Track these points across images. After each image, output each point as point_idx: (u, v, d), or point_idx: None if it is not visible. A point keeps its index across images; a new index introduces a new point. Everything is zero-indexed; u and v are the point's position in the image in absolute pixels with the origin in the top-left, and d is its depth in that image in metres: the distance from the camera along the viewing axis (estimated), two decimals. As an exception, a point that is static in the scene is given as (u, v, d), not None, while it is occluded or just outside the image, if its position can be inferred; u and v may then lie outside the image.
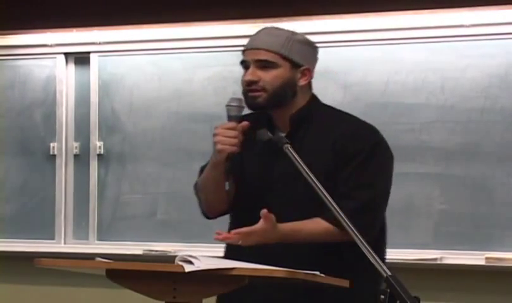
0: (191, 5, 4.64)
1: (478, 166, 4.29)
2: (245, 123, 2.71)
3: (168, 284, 2.34)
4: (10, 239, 5.05)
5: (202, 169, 2.92)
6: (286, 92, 2.79)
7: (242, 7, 4.51)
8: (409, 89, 4.41)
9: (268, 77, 2.75)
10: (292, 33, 2.82)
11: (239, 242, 2.56)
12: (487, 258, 4.23)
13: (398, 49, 4.44)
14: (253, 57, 2.77)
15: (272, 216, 2.56)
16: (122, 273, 2.39)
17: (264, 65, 2.76)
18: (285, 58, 2.77)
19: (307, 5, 4.47)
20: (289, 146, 2.54)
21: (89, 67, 4.97)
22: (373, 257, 2.22)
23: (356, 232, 2.31)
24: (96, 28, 4.87)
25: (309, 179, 2.45)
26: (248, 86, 2.76)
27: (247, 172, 2.81)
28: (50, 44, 5.00)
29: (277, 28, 2.85)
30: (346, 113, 2.91)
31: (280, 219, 2.65)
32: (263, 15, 4.48)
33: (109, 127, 4.95)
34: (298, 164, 2.49)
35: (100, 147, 4.95)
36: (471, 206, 4.29)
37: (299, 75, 2.81)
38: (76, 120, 5.02)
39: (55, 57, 5.03)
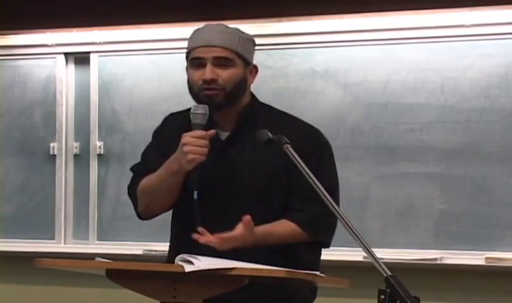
0: (191, 6, 4.64)
1: (478, 166, 4.29)
2: (213, 131, 2.66)
3: (168, 284, 2.34)
4: (10, 239, 5.05)
5: (136, 171, 2.89)
6: (240, 91, 2.76)
7: (242, 7, 4.51)
8: (409, 89, 4.42)
9: (226, 76, 2.71)
10: (240, 30, 2.79)
11: (216, 246, 2.52)
12: (487, 258, 4.23)
13: (398, 49, 4.44)
14: (211, 55, 2.71)
15: (251, 222, 2.55)
16: (122, 272, 2.39)
17: (222, 63, 2.72)
18: (240, 56, 2.75)
19: (307, 5, 4.47)
20: (289, 146, 2.52)
21: (89, 67, 4.97)
22: (372, 256, 2.22)
23: (357, 232, 2.30)
24: (96, 28, 4.87)
25: (308, 179, 2.44)
26: (207, 85, 2.71)
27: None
28: (50, 44, 5.00)
29: (224, 25, 2.80)
30: (287, 113, 2.88)
31: (226, 217, 2.65)
32: (263, 15, 4.48)
33: (109, 127, 4.95)
34: (298, 164, 2.48)
35: (100, 147, 4.95)
36: (471, 206, 4.29)
37: (248, 73, 2.80)
38: (76, 120, 5.02)
39: (55, 57, 5.03)
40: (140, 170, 2.89)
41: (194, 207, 2.66)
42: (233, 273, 2.27)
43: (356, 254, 4.14)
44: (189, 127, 2.70)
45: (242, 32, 2.79)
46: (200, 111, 2.69)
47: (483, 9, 4.24)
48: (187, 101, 4.76)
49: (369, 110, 4.46)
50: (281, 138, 2.55)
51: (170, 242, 2.94)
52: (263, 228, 2.65)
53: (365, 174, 4.42)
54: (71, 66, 5.04)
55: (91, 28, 4.88)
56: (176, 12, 4.67)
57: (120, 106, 4.93)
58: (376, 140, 4.44)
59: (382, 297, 2.10)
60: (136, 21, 4.78)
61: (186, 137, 2.65)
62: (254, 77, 2.83)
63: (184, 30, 4.74)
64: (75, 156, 5.02)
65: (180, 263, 2.32)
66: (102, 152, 4.95)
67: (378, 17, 4.42)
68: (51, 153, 5.03)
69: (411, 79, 4.42)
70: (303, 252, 2.76)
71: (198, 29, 2.81)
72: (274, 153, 2.64)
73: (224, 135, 2.78)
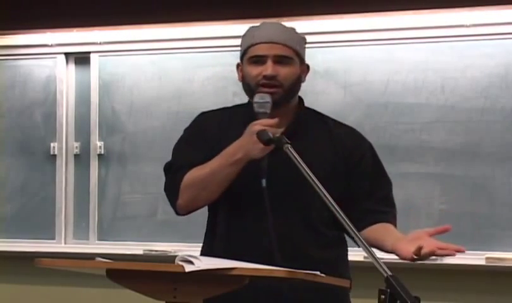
0: (191, 5, 4.64)
1: (479, 166, 4.29)
2: (277, 119, 2.66)
3: (168, 284, 2.34)
4: (10, 239, 5.05)
5: (174, 165, 2.85)
6: (296, 88, 2.79)
7: (242, 7, 4.51)
8: (410, 89, 4.42)
9: (285, 73, 2.73)
10: (295, 29, 2.82)
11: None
12: (487, 258, 4.23)
13: (398, 49, 4.44)
14: (272, 52, 2.72)
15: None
16: (122, 272, 2.39)
17: (282, 60, 2.73)
18: (297, 54, 2.77)
19: (307, 5, 4.47)
20: (289, 146, 2.52)
21: (89, 67, 4.97)
22: (373, 256, 2.22)
23: (356, 232, 2.30)
24: (96, 28, 4.88)
25: (310, 180, 2.44)
26: (266, 81, 2.71)
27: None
28: (50, 44, 5.00)
29: (281, 24, 2.83)
30: (328, 116, 2.93)
31: (280, 213, 2.66)
32: (263, 15, 4.47)
33: (109, 127, 4.95)
34: (299, 165, 2.48)
35: (100, 147, 4.95)
36: (471, 206, 4.29)
37: (302, 72, 2.82)
38: (77, 120, 5.03)
39: (55, 57, 5.03)
40: (183, 163, 2.82)
41: (263, 195, 2.64)
42: (233, 272, 2.26)
43: (356, 254, 4.13)
44: (231, 123, 2.74)
45: (296, 31, 2.82)
46: (265, 100, 2.70)
47: (484, 9, 4.25)
48: (187, 102, 4.79)
49: (369, 110, 4.47)
50: (281, 138, 2.55)
51: (208, 241, 2.86)
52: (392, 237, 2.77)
53: (365, 174, 4.41)
54: (72, 66, 5.04)
55: (92, 28, 4.89)
56: (176, 12, 4.68)
57: (120, 106, 4.93)
58: (376, 140, 4.42)
59: (383, 297, 2.10)
60: (137, 21, 4.78)
61: (257, 126, 2.63)
62: (305, 76, 2.85)
63: (185, 30, 4.77)
64: (75, 156, 5.02)
65: (180, 263, 2.32)
66: (102, 152, 4.95)
67: (379, 18, 4.42)
68: (51, 153, 5.03)
69: (411, 79, 4.42)
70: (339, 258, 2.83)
71: (255, 27, 2.81)
72: (330, 150, 2.69)
73: (278, 132, 2.77)
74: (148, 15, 4.74)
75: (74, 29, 4.93)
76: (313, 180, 2.43)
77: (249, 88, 2.76)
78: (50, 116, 5.04)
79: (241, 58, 2.83)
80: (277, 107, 2.72)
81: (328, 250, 2.77)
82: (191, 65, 4.78)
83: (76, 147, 5.02)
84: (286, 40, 2.74)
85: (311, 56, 4.52)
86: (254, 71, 2.74)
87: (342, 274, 2.65)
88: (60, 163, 5.01)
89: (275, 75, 2.71)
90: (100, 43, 4.92)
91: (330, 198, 2.38)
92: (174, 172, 2.84)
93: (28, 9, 4.91)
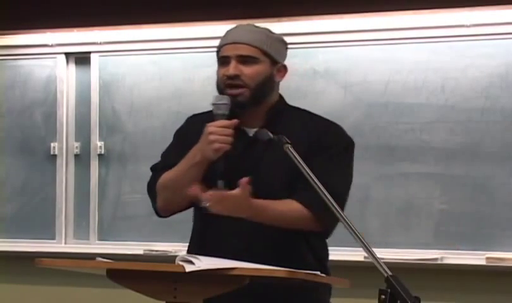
0: (191, 5, 4.64)
1: (479, 166, 4.29)
2: (236, 121, 2.68)
3: (169, 284, 2.34)
4: (11, 239, 5.05)
5: (157, 168, 2.89)
6: (265, 88, 2.77)
7: (242, 7, 4.51)
8: (410, 89, 4.42)
9: (249, 72, 2.73)
10: (269, 30, 2.82)
11: (207, 205, 2.51)
12: (487, 258, 4.23)
13: (399, 49, 4.44)
14: (235, 52, 2.74)
15: (248, 185, 2.53)
16: (122, 272, 2.39)
17: (246, 60, 2.74)
18: (265, 54, 2.76)
19: (307, 6, 4.47)
20: (289, 146, 2.53)
21: (90, 67, 4.97)
22: (373, 256, 2.22)
23: (357, 232, 2.30)
24: (96, 28, 4.88)
25: (310, 180, 2.44)
26: (230, 80, 2.72)
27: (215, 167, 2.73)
28: (50, 44, 5.00)
29: (254, 25, 2.83)
30: (313, 113, 2.90)
31: None
32: (263, 15, 4.48)
33: (109, 127, 4.95)
34: (299, 164, 2.48)
35: (100, 147, 4.95)
36: (471, 206, 4.29)
37: (275, 71, 2.81)
38: (77, 120, 5.03)
39: (55, 57, 5.03)
40: (159, 166, 2.89)
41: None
42: (234, 272, 2.27)
43: (356, 254, 4.15)
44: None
45: (271, 32, 2.82)
46: (223, 101, 2.71)
47: (484, 9, 4.25)
48: (187, 102, 4.79)
49: (369, 110, 4.46)
50: (282, 138, 2.56)
51: (191, 241, 2.90)
52: (263, 201, 2.63)
53: (366, 174, 4.42)
54: (72, 66, 5.04)
55: (92, 28, 4.89)
56: (176, 12, 4.68)
57: (121, 106, 4.93)
58: (376, 140, 4.44)
59: (383, 297, 2.11)
60: (137, 21, 4.78)
61: (211, 127, 2.67)
62: (282, 76, 2.84)
63: (185, 30, 4.77)
64: (76, 156, 5.02)
65: (180, 263, 2.32)
66: (102, 152, 4.95)
67: (379, 17, 4.42)
68: (52, 153, 5.03)
69: (411, 79, 4.42)
70: (307, 254, 2.76)
71: (229, 29, 2.85)
72: (305, 150, 2.65)
73: (252, 132, 2.78)
74: (148, 15, 4.74)
75: (75, 29, 4.93)
76: (313, 179, 2.43)
77: (219, 89, 2.78)
78: (51, 116, 5.04)
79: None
80: (245, 108, 2.74)
81: (294, 247, 2.75)
82: (192, 65, 4.78)
83: (77, 147, 5.02)
84: (251, 40, 2.75)
85: (312, 56, 4.58)
86: (220, 71, 2.78)
87: (312, 269, 2.59)
88: (61, 163, 5.01)
89: (238, 74, 2.73)
90: (100, 43, 4.92)
91: (330, 198, 2.38)
92: (152, 174, 2.90)
93: (29, 9, 4.91)
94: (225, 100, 2.71)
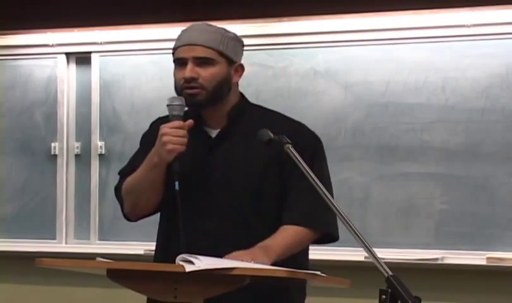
0: (191, 6, 4.64)
1: (479, 166, 4.29)
2: (190, 121, 2.68)
3: (169, 284, 2.34)
4: (11, 239, 5.05)
5: (123, 172, 2.90)
6: (223, 89, 2.75)
7: (242, 7, 4.51)
8: (410, 89, 4.42)
9: (206, 75, 2.72)
10: (225, 29, 2.79)
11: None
12: (488, 258, 4.23)
13: (399, 49, 4.44)
14: (191, 54, 2.72)
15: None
16: (123, 272, 2.39)
17: (203, 62, 2.72)
18: (222, 54, 2.74)
19: (307, 5, 4.47)
20: (290, 146, 2.52)
21: (90, 67, 4.97)
22: (374, 256, 2.22)
23: (358, 232, 2.30)
24: (97, 28, 4.88)
25: (310, 179, 2.44)
26: (187, 83, 2.71)
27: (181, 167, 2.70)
28: (51, 44, 5.00)
29: (208, 24, 2.80)
30: (277, 112, 2.88)
31: (217, 214, 2.67)
32: (263, 15, 4.48)
33: (110, 127, 4.95)
34: (300, 164, 2.48)
35: (101, 147, 4.95)
36: (472, 206, 4.29)
37: (233, 72, 2.79)
38: (77, 120, 5.03)
39: (56, 57, 5.03)
40: (124, 171, 2.90)
41: (175, 198, 2.65)
42: (234, 272, 2.27)
43: (357, 254, 4.15)
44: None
45: (226, 31, 2.79)
46: (177, 102, 2.71)
47: (484, 9, 4.24)
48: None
49: (370, 110, 4.46)
50: (282, 138, 2.55)
51: (157, 243, 2.89)
52: (265, 244, 2.60)
53: (366, 174, 4.42)
54: (72, 66, 5.04)
55: (93, 28, 4.89)
56: (177, 12, 4.68)
57: (121, 107, 4.93)
58: (377, 140, 4.44)
59: (383, 297, 2.10)
60: (138, 21, 4.78)
61: (164, 128, 2.67)
62: (240, 76, 2.82)
63: (185, 30, 4.76)
64: (76, 156, 5.02)
65: (181, 263, 2.32)
66: (103, 152, 4.95)
67: (379, 18, 4.42)
68: (52, 153, 5.03)
69: (412, 79, 4.42)
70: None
71: (184, 29, 2.82)
72: (264, 149, 2.63)
73: (214, 133, 2.79)
74: (149, 15, 4.74)
75: (75, 29, 4.93)
76: (313, 179, 2.42)
77: (176, 91, 2.78)
78: (51, 116, 5.04)
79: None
80: (202, 107, 2.74)
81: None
82: (192, 65, 4.78)
83: (77, 147, 5.02)
84: (206, 41, 2.73)
85: (312, 56, 4.58)
86: (178, 74, 2.77)
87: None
88: (61, 163, 5.01)
89: (195, 77, 2.71)
90: (101, 43, 4.92)
91: (331, 198, 2.38)
92: (120, 179, 2.92)
93: (29, 9, 4.91)
94: (179, 100, 2.71)
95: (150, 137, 2.85)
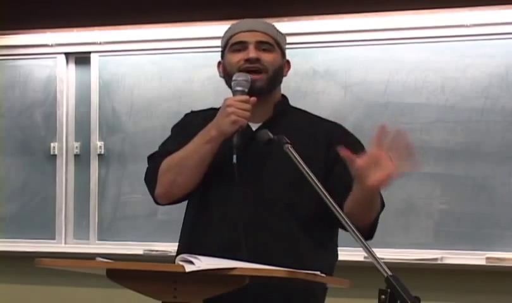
0: (191, 5, 4.64)
1: (479, 166, 4.29)
2: (254, 98, 2.66)
3: (168, 284, 2.34)
4: (10, 239, 5.05)
5: (156, 155, 2.84)
6: (279, 77, 2.79)
7: (242, 7, 4.51)
8: (410, 89, 4.42)
9: (269, 58, 2.74)
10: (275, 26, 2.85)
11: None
12: (487, 258, 4.23)
13: (399, 49, 4.44)
14: (254, 38, 2.75)
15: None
16: (122, 272, 2.39)
17: (264, 47, 2.75)
18: (278, 44, 2.79)
19: (307, 5, 4.47)
20: (289, 146, 2.52)
21: (90, 67, 4.97)
22: (373, 256, 2.22)
23: (356, 232, 2.30)
24: (96, 28, 4.88)
25: (310, 179, 2.43)
26: (248, 64, 2.72)
27: (218, 157, 2.70)
28: (50, 44, 5.00)
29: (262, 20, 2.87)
30: (315, 114, 2.91)
31: (251, 205, 2.64)
32: (263, 15, 4.45)
33: (109, 127, 4.95)
34: (299, 164, 2.48)
35: (100, 147, 4.95)
36: (471, 206, 4.29)
37: (284, 64, 2.84)
38: (77, 120, 5.03)
39: (55, 57, 5.03)
40: (162, 153, 2.82)
41: (233, 171, 2.60)
42: (234, 272, 2.26)
43: (356, 254, 4.13)
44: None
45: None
46: (243, 77, 2.70)
47: (484, 9, 4.25)
48: (187, 102, 4.79)
49: (369, 110, 4.46)
50: (282, 138, 2.55)
51: (181, 240, 2.85)
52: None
53: (366, 174, 4.41)
54: (72, 66, 5.04)
55: (92, 28, 4.89)
56: (176, 12, 4.68)
57: (120, 106, 4.93)
58: (376, 140, 4.44)
59: (383, 297, 2.10)
60: (137, 21, 4.78)
61: (230, 100, 2.65)
62: (287, 72, 2.86)
63: (185, 30, 4.77)
64: (76, 156, 5.02)
65: (180, 263, 2.32)
66: (102, 152, 4.95)
67: (379, 17, 4.42)
68: (51, 153, 5.03)
69: (411, 79, 4.42)
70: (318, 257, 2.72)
71: (236, 22, 2.84)
72: (306, 144, 2.64)
73: (256, 126, 2.76)
74: (148, 15, 4.74)
75: (75, 29, 4.93)
76: (312, 179, 2.42)
77: (230, 77, 2.75)
78: (51, 116, 5.04)
79: (222, 54, 2.85)
80: (262, 93, 2.72)
81: (295, 248, 2.70)
82: (192, 65, 4.78)
83: (76, 147, 5.02)
84: (267, 29, 2.78)
85: (312, 56, 4.58)
86: (235, 57, 2.76)
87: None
88: (61, 163, 5.01)
89: (258, 58, 2.72)
90: (100, 43, 4.92)
91: (329, 197, 2.38)
92: (153, 161, 2.85)
93: (29, 8, 4.91)
94: (245, 76, 2.70)
95: (186, 126, 2.83)
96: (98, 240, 4.94)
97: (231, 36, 2.80)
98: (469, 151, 4.31)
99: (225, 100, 2.67)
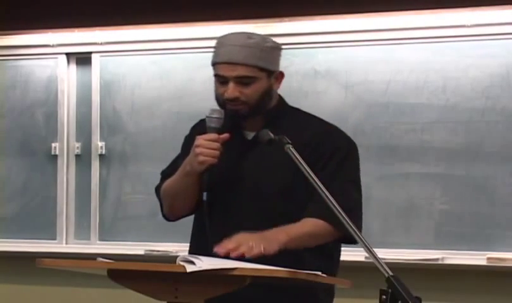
0: (192, 6, 4.64)
1: (480, 166, 4.29)
2: (226, 135, 2.69)
3: (170, 284, 2.34)
4: (12, 239, 5.05)
5: (164, 173, 2.94)
6: (265, 101, 2.77)
7: (243, 7, 4.51)
8: (411, 89, 4.42)
9: (249, 92, 2.72)
10: (262, 39, 2.77)
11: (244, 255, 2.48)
12: (488, 258, 4.23)
13: (400, 49, 4.44)
14: (232, 74, 2.71)
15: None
16: (123, 273, 2.39)
17: (244, 81, 2.72)
18: (262, 69, 2.74)
19: (307, 5, 4.47)
20: (290, 146, 2.53)
21: (91, 67, 4.97)
22: (374, 257, 2.22)
23: (355, 229, 2.30)
24: (98, 28, 4.88)
25: (310, 179, 2.44)
26: (231, 102, 2.72)
27: (215, 172, 2.73)
28: (52, 44, 5.00)
29: (248, 36, 2.76)
30: (313, 115, 2.90)
31: (247, 215, 2.69)
32: (263, 15, 4.48)
33: (110, 127, 4.95)
34: (300, 164, 2.48)
35: (101, 147, 4.95)
36: (472, 206, 4.29)
37: (273, 80, 2.80)
38: (78, 120, 5.03)
39: (56, 57, 5.03)
40: (165, 173, 2.94)
41: (203, 209, 2.70)
42: (235, 273, 2.27)
43: (357, 254, 4.14)
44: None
45: (265, 40, 2.77)
46: (215, 115, 2.73)
47: (485, 9, 4.25)
48: (188, 102, 4.80)
49: (370, 110, 4.46)
50: (282, 138, 2.55)
51: (190, 244, 2.94)
52: (281, 230, 2.61)
53: (367, 174, 4.36)
54: (73, 66, 5.04)
55: (93, 28, 4.89)
56: (177, 12, 4.68)
57: (121, 107, 4.93)
58: (377, 140, 4.44)
59: (384, 297, 2.11)
60: (138, 21, 4.78)
61: (199, 140, 2.69)
62: (280, 83, 2.84)
63: (185, 30, 4.77)
64: (77, 156, 5.02)
65: (182, 263, 2.32)
66: (103, 152, 4.95)
67: (380, 18, 4.42)
68: (53, 153, 5.03)
69: (412, 79, 4.42)
70: (314, 259, 2.73)
71: (222, 38, 2.79)
72: (300, 153, 2.62)
73: (250, 135, 2.80)
74: (149, 15, 4.74)
75: (76, 30, 4.93)
76: (313, 179, 2.43)
77: (219, 103, 2.78)
78: (52, 116, 5.04)
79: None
80: (246, 119, 2.76)
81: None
82: (193, 65, 4.78)
83: (78, 147, 5.02)
84: (246, 59, 2.71)
85: (313, 56, 4.58)
86: (219, 89, 2.77)
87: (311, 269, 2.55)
88: (62, 163, 5.01)
89: (237, 96, 2.72)
90: (101, 43, 4.92)
91: (331, 198, 2.38)
92: (160, 181, 2.96)
93: (30, 9, 4.91)
94: (218, 114, 2.73)
95: (190, 141, 2.85)
96: (99, 240, 4.94)
97: (215, 63, 2.79)
98: (470, 151, 4.31)
99: (197, 138, 2.71)
